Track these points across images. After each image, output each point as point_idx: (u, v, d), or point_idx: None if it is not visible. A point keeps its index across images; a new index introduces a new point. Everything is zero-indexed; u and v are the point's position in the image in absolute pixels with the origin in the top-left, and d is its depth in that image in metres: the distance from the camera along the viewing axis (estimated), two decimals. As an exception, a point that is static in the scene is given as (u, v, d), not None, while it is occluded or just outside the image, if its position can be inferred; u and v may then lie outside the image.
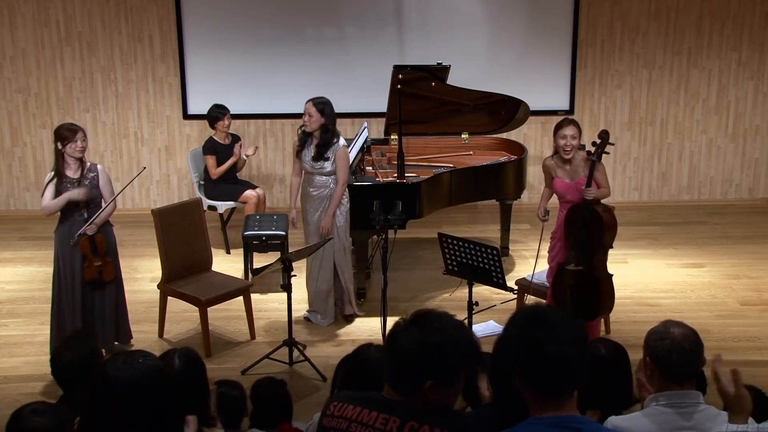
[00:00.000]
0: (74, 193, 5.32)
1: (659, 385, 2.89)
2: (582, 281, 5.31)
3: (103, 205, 5.48)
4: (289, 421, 3.89)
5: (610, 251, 5.57)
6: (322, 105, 5.88)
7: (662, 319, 2.99)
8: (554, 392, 2.18)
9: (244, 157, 7.78)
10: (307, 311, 6.31)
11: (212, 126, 7.68)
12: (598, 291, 5.32)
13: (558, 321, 2.18)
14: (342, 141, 5.99)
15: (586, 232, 5.28)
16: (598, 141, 5.35)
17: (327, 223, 5.98)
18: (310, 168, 5.98)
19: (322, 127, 5.89)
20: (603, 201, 5.50)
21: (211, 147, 7.63)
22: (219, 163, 7.61)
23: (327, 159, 5.92)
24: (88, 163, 5.46)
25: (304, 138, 6.00)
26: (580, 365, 2.19)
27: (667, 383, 2.86)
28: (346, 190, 6.07)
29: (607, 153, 5.42)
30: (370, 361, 3.24)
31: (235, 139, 7.78)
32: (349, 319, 6.30)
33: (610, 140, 5.42)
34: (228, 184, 7.69)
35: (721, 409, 2.98)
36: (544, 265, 5.80)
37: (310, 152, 5.97)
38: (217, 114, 7.63)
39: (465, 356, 2.28)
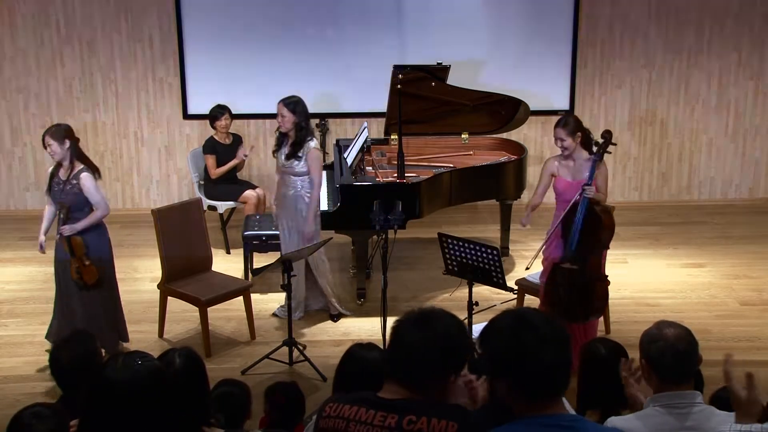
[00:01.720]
0: (41, 239, 5.63)
1: (657, 386, 2.89)
2: (576, 281, 5.28)
3: (95, 211, 5.47)
4: (301, 420, 3.91)
5: (610, 251, 5.57)
6: (293, 104, 6.00)
7: (662, 319, 2.99)
8: (547, 396, 2.19)
9: (243, 157, 7.78)
10: (280, 306, 6.35)
11: (212, 125, 7.69)
12: (592, 292, 5.28)
13: (543, 325, 2.20)
14: (314, 142, 6.08)
15: (583, 231, 5.26)
16: (601, 141, 5.34)
17: (309, 230, 6.08)
18: (282, 166, 6.12)
19: (295, 126, 5.99)
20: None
21: (211, 147, 7.63)
22: (219, 164, 7.61)
23: (299, 158, 6.01)
24: (77, 169, 5.44)
25: (281, 138, 6.14)
26: (568, 367, 2.21)
27: (664, 384, 2.86)
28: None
29: (609, 152, 5.41)
30: (364, 360, 3.27)
31: (237, 139, 7.78)
32: (334, 319, 6.32)
33: (613, 140, 5.40)
34: (228, 184, 7.69)
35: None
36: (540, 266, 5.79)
37: (285, 151, 6.09)
38: (216, 113, 7.64)
39: (469, 346, 2.41)
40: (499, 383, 2.21)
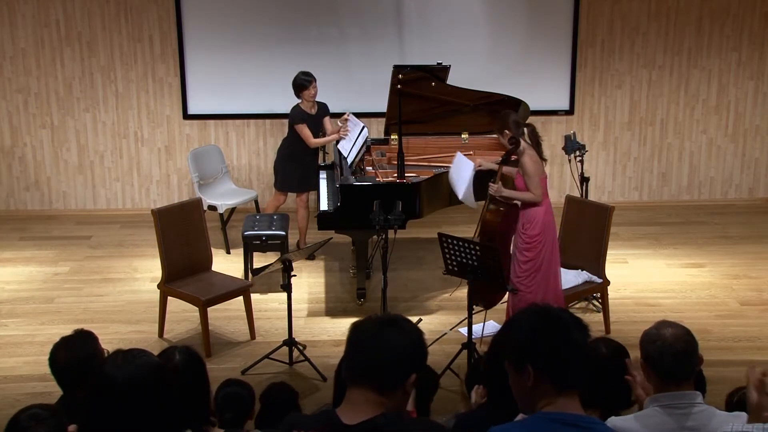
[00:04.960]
0: None
1: (657, 386, 2.88)
2: None
3: None
4: None
5: (610, 251, 5.59)
6: None
7: (662, 319, 2.99)
8: (576, 384, 2.22)
9: (341, 132, 7.25)
10: None
11: (298, 95, 7.27)
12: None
13: (564, 314, 2.25)
14: None
15: None
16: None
17: None
18: None
19: None
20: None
21: (300, 116, 7.22)
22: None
23: None
24: None
25: None
26: (590, 356, 2.27)
27: (664, 384, 2.86)
28: None
29: (541, 140, 5.74)
30: None
31: (322, 107, 7.39)
32: None
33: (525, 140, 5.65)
34: (304, 173, 7.31)
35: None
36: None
37: None
38: (303, 82, 7.19)
39: (426, 349, 2.42)
40: (522, 376, 2.19)
